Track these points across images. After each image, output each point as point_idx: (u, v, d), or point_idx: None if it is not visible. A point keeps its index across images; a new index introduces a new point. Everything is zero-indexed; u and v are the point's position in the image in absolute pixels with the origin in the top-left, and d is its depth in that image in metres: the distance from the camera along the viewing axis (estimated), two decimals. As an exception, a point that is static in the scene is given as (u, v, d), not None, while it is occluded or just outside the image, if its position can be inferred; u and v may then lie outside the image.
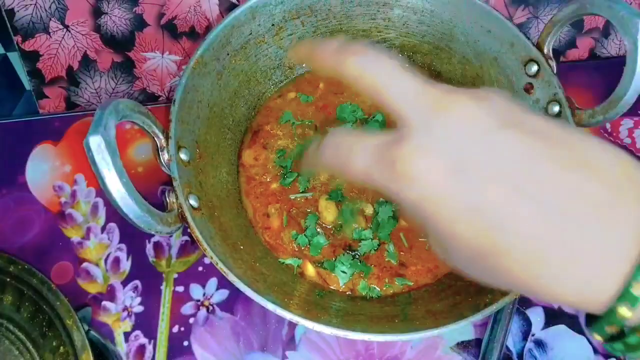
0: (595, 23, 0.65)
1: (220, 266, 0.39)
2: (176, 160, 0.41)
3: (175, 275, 0.52)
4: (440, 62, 0.56)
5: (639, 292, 0.21)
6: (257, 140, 0.52)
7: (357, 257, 0.48)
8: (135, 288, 0.52)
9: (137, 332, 0.50)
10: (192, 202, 0.41)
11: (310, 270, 0.47)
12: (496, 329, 0.48)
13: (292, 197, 0.50)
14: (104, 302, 0.51)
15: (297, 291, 0.45)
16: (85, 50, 0.61)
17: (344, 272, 0.47)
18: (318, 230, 0.48)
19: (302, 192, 0.50)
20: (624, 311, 0.22)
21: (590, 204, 0.22)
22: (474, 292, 0.43)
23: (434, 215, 0.24)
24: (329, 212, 0.49)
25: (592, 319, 0.24)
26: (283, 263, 0.47)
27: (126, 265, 0.53)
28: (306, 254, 0.48)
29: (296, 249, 0.48)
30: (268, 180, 0.51)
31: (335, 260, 0.47)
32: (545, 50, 0.47)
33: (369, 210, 0.49)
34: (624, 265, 0.22)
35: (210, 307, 0.51)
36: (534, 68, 0.48)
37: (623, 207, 0.22)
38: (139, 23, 0.60)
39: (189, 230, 0.40)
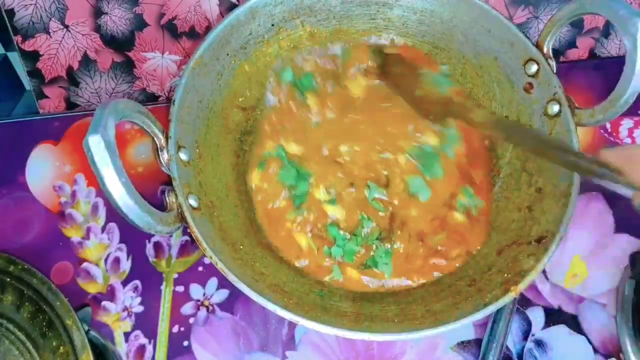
0: (595, 23, 0.65)
1: (220, 266, 0.39)
2: (176, 160, 0.41)
3: (175, 275, 0.52)
4: (440, 62, 0.56)
5: None
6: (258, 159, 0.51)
7: (390, 245, 0.48)
8: (135, 288, 0.52)
9: (137, 332, 0.50)
10: (192, 202, 0.41)
11: (355, 275, 0.47)
12: (496, 329, 0.48)
13: (289, 217, 0.49)
14: (104, 302, 0.51)
15: (297, 291, 0.45)
16: (85, 50, 0.61)
17: (386, 263, 0.47)
18: (346, 235, 0.48)
19: (297, 210, 0.48)
20: None
21: None
22: (474, 292, 0.43)
23: None
24: (338, 211, 0.48)
25: None
26: (325, 282, 0.47)
27: (126, 265, 0.53)
28: (341, 262, 0.48)
29: (334, 262, 0.48)
30: (282, 206, 0.50)
31: (374, 256, 0.47)
32: (545, 50, 0.47)
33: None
34: None
35: (210, 307, 0.51)
36: (534, 67, 0.48)
37: None
38: (139, 23, 0.60)
39: (189, 230, 0.40)
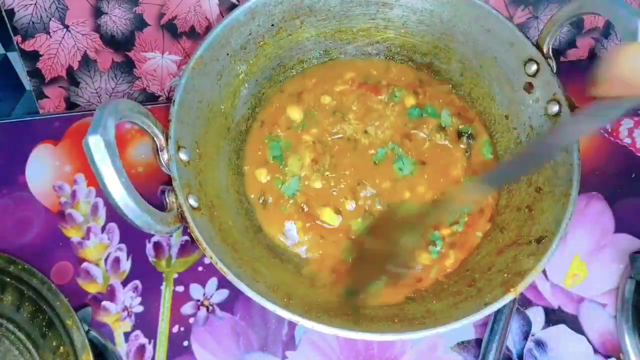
0: (595, 23, 0.65)
1: (220, 266, 0.39)
2: (176, 160, 0.41)
3: (175, 275, 0.52)
4: (440, 62, 0.56)
5: None
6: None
7: None
8: (135, 288, 0.52)
9: (137, 332, 0.50)
10: (192, 202, 0.41)
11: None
12: (496, 329, 0.48)
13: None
14: (104, 302, 0.51)
15: (297, 291, 0.45)
16: (85, 50, 0.61)
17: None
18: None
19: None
20: None
21: None
22: (474, 292, 0.43)
23: None
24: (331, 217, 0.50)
25: None
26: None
27: (126, 265, 0.53)
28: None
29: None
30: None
31: None
32: (545, 50, 0.47)
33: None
34: None
35: (210, 307, 0.51)
36: (534, 67, 0.48)
37: None
38: (139, 23, 0.60)
39: (188, 230, 0.40)
